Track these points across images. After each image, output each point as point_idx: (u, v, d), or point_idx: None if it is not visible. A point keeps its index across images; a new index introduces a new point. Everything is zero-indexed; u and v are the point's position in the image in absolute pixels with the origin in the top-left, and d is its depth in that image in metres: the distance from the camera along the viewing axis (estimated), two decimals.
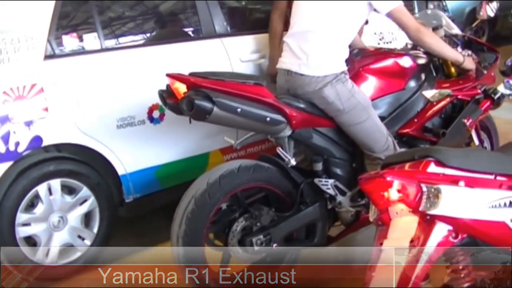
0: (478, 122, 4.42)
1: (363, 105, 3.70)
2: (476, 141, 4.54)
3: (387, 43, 5.53)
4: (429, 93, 4.00)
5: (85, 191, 4.22)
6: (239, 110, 3.44)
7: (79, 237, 4.30)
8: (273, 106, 3.57)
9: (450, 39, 4.32)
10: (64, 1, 4.13)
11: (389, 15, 3.72)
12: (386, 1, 3.67)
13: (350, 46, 4.23)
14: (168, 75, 3.63)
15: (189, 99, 3.37)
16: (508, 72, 3.92)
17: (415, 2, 10.65)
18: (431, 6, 10.70)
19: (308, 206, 3.80)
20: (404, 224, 2.42)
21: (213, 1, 4.80)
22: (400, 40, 5.30)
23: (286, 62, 3.80)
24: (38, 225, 4.10)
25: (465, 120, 4.00)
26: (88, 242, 4.32)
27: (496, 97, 4.07)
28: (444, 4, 10.76)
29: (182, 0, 5.00)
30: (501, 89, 4.04)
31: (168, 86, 3.62)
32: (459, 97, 4.19)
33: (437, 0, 10.78)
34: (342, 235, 4.06)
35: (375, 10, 3.72)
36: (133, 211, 4.57)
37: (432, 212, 2.33)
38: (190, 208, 3.48)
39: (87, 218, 4.32)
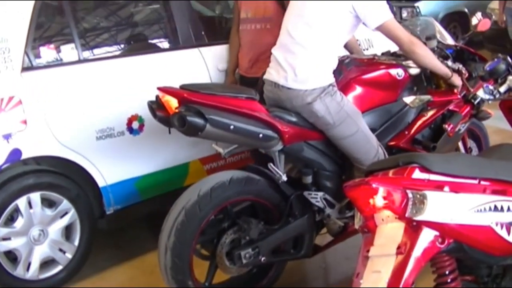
0: (465, 131, 4.41)
1: (353, 118, 3.65)
2: (462, 150, 4.54)
3: (363, 50, 5.54)
4: (409, 99, 4.00)
5: (65, 203, 4.18)
6: (231, 127, 3.41)
7: (60, 250, 4.25)
8: (265, 121, 3.53)
9: (442, 50, 4.30)
10: (41, 12, 4.11)
11: (379, 29, 3.64)
12: (374, 15, 3.58)
13: (347, 49, 4.22)
14: (159, 88, 3.60)
15: (181, 116, 3.34)
16: (487, 77, 3.92)
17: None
18: (405, 12, 10.76)
19: (297, 218, 3.77)
20: (390, 231, 2.42)
21: (191, 12, 4.80)
22: (376, 47, 5.31)
23: (273, 74, 3.75)
24: (18, 239, 4.05)
25: (446, 126, 4.00)
26: (69, 255, 4.28)
27: (476, 102, 4.08)
28: (418, 10, 10.80)
29: (159, 10, 4.99)
30: (481, 94, 4.04)
31: (157, 98, 3.59)
32: (450, 108, 4.16)
33: (410, 7, 10.82)
34: (329, 245, 4.05)
35: (364, 23, 3.64)
36: (113, 223, 4.54)
37: (418, 218, 2.33)
38: (180, 219, 3.45)
39: (67, 231, 4.28)
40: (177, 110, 3.41)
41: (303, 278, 4.43)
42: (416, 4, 10.83)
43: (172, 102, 3.46)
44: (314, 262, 4.33)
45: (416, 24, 4.52)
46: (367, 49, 5.55)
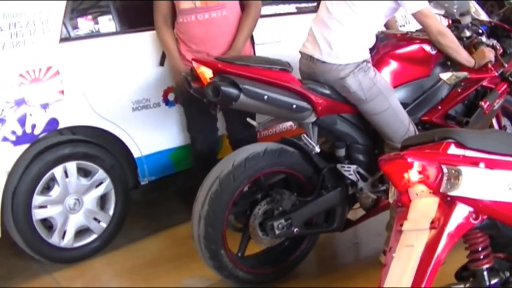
0: (499, 108, 4.38)
1: (385, 94, 3.68)
2: (496, 127, 4.51)
3: (400, 26, 5.51)
4: (446, 75, 3.98)
5: (100, 173, 4.24)
6: (265, 97, 3.44)
7: (95, 219, 4.31)
8: (299, 92, 3.56)
9: (476, 26, 4.28)
10: None
11: (414, 15, 3.72)
12: (412, 1, 3.65)
13: (384, 25, 4.21)
14: (193, 59, 3.63)
15: (215, 85, 3.37)
16: None
17: None
18: None
19: (330, 191, 3.79)
20: (424, 206, 2.42)
21: None
22: (413, 24, 5.27)
23: (308, 47, 3.77)
24: (54, 208, 4.12)
25: (482, 103, 3.97)
26: (103, 224, 4.33)
27: None
28: None
29: None
30: None
31: (193, 69, 3.61)
32: (484, 84, 4.14)
33: None
34: (361, 220, 4.07)
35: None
36: (147, 193, 4.59)
37: (453, 193, 2.33)
38: (214, 188, 3.48)
39: (102, 201, 4.34)
40: (211, 80, 3.44)
41: (335, 252, 4.46)
42: None
43: (207, 73, 3.48)
44: (347, 237, 4.36)
45: (452, 1, 4.47)
46: (404, 26, 5.51)
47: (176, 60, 4.24)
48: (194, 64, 3.57)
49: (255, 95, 3.41)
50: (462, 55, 3.91)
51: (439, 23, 3.83)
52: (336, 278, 3.92)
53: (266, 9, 4.65)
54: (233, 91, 3.35)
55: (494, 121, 4.47)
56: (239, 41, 4.24)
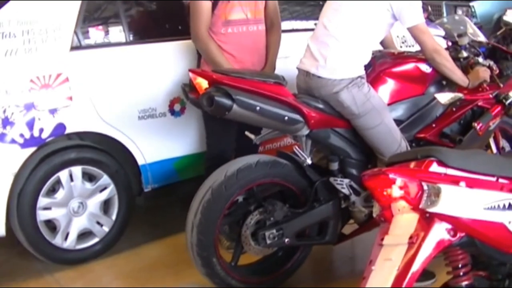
0: (497, 129, 4.44)
1: (378, 110, 3.75)
2: (494, 149, 4.56)
3: (409, 46, 5.58)
4: (440, 96, 4.05)
5: (105, 179, 4.33)
6: (258, 108, 3.53)
7: (98, 223, 4.41)
8: (291, 105, 3.64)
9: (474, 47, 4.36)
10: None
11: (410, 30, 3.80)
12: (410, 15, 3.73)
13: (382, 45, 4.29)
14: (190, 70, 3.75)
15: (209, 95, 3.47)
16: None
17: (444, 5, 10.68)
18: (459, 11, 10.69)
19: (322, 204, 3.85)
20: (405, 221, 2.48)
21: None
22: None
23: (306, 63, 3.87)
24: (58, 210, 4.22)
25: (475, 124, 4.02)
26: (106, 228, 4.43)
27: (507, 102, 4.09)
28: (473, 10, 10.72)
29: None
30: None
31: (190, 80, 3.71)
32: (479, 104, 4.20)
33: (465, 6, 10.76)
34: (355, 234, 4.11)
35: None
36: (151, 201, 4.66)
37: (432, 210, 2.39)
38: (207, 198, 3.57)
39: (106, 205, 4.43)
40: (206, 91, 3.54)
41: (331, 266, 4.51)
42: (471, 4, 10.75)
43: (203, 84, 3.60)
44: (342, 251, 4.43)
45: (451, 20, 4.55)
46: (413, 46, 5.56)
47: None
48: (191, 74, 3.68)
49: (248, 106, 3.50)
50: (456, 74, 3.99)
51: (435, 41, 3.90)
52: None
53: None
54: (226, 101, 3.45)
55: (492, 142, 4.51)
56: (275, 56, 4.38)
